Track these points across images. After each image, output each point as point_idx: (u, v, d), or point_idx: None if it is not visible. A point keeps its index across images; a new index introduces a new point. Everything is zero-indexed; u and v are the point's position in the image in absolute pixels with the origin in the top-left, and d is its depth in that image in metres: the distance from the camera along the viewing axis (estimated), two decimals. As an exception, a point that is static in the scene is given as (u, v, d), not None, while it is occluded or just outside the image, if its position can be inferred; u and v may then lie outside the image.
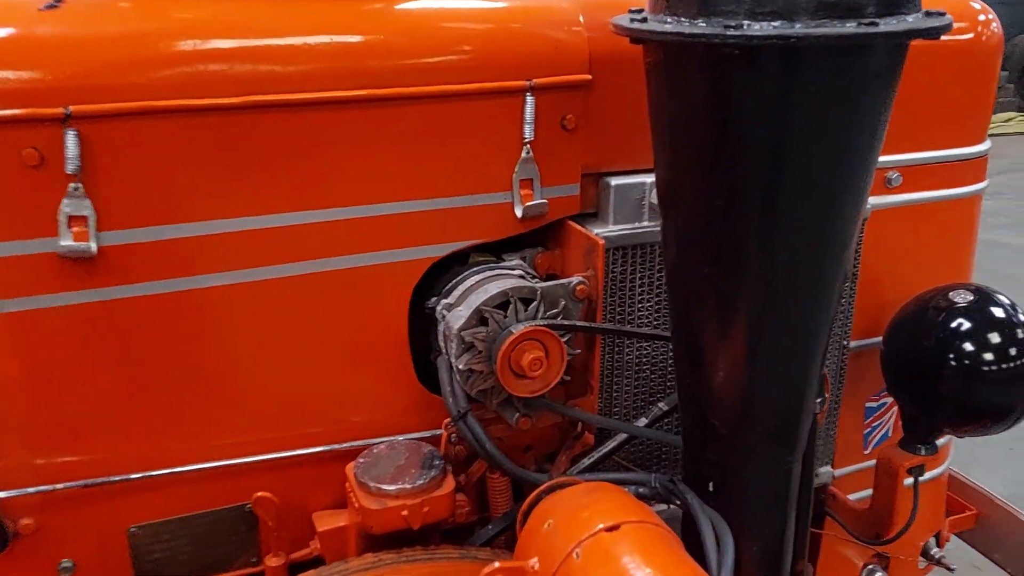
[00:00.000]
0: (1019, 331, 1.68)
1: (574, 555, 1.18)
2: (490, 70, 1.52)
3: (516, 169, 1.57)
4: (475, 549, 1.50)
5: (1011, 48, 11.10)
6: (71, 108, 1.29)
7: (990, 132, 1.97)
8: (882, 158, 1.21)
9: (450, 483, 1.49)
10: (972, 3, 1.86)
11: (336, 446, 1.58)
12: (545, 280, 1.62)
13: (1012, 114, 11.40)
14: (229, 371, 1.51)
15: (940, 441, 1.88)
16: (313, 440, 1.58)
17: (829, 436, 1.93)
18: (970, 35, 1.83)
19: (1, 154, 1.29)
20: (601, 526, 1.20)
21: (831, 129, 1.12)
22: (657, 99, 1.24)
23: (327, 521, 1.54)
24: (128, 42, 1.34)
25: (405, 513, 1.43)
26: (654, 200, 1.61)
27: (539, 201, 1.59)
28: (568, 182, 1.62)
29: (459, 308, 1.52)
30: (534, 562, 1.22)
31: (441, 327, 1.55)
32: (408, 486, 1.45)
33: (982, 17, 1.84)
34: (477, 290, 1.53)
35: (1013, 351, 1.66)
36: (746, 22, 1.04)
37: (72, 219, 1.33)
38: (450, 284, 1.58)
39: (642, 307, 1.65)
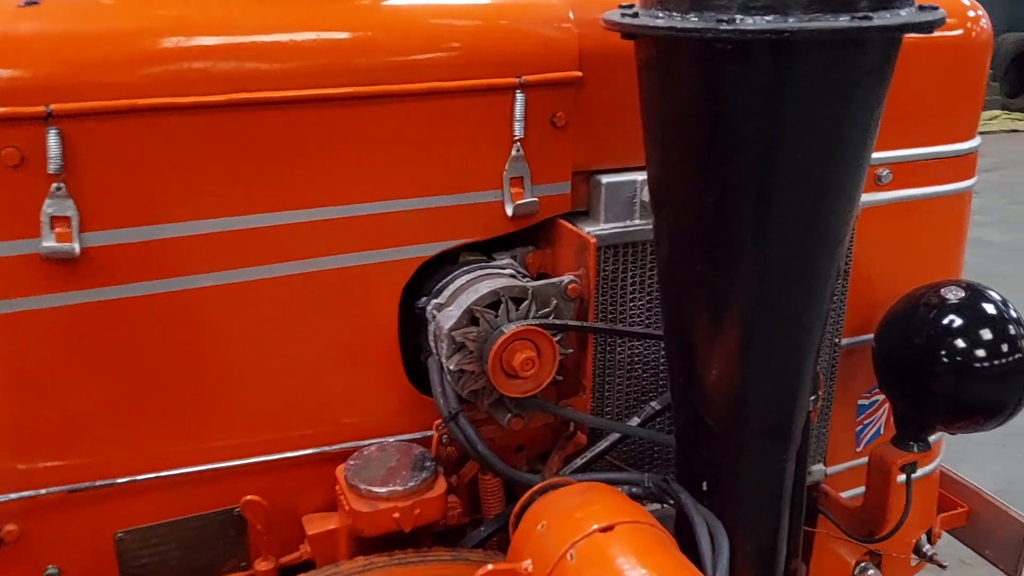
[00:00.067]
0: (1011, 327, 1.68)
1: (568, 556, 1.17)
2: (479, 67, 1.50)
3: (506, 167, 1.55)
4: (467, 551, 1.49)
5: (996, 45, 11.18)
6: (52, 107, 1.27)
7: (975, 130, 1.98)
8: (872, 155, 1.21)
9: (442, 485, 1.48)
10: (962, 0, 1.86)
11: (326, 448, 1.57)
12: (536, 279, 1.61)
13: (997, 112, 11.50)
14: (216, 373, 1.49)
15: (932, 438, 1.88)
16: (302, 442, 1.56)
17: (821, 434, 1.93)
18: (959, 31, 1.83)
19: (-19, 154, 1.26)
20: (595, 527, 1.19)
21: (824, 123, 1.11)
22: (649, 95, 1.23)
23: (317, 524, 1.53)
24: (110, 39, 1.32)
25: (396, 515, 1.42)
26: (645, 198, 1.60)
27: (530, 199, 1.58)
28: (559, 180, 1.60)
29: (449, 308, 1.51)
30: (527, 564, 1.21)
31: (431, 327, 1.54)
32: (399, 488, 1.44)
33: (971, 13, 1.84)
34: (468, 289, 1.52)
35: (1005, 347, 1.66)
36: (739, 16, 1.03)
37: (55, 219, 1.31)
38: (440, 284, 1.57)
39: (633, 306, 1.64)
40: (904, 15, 1.05)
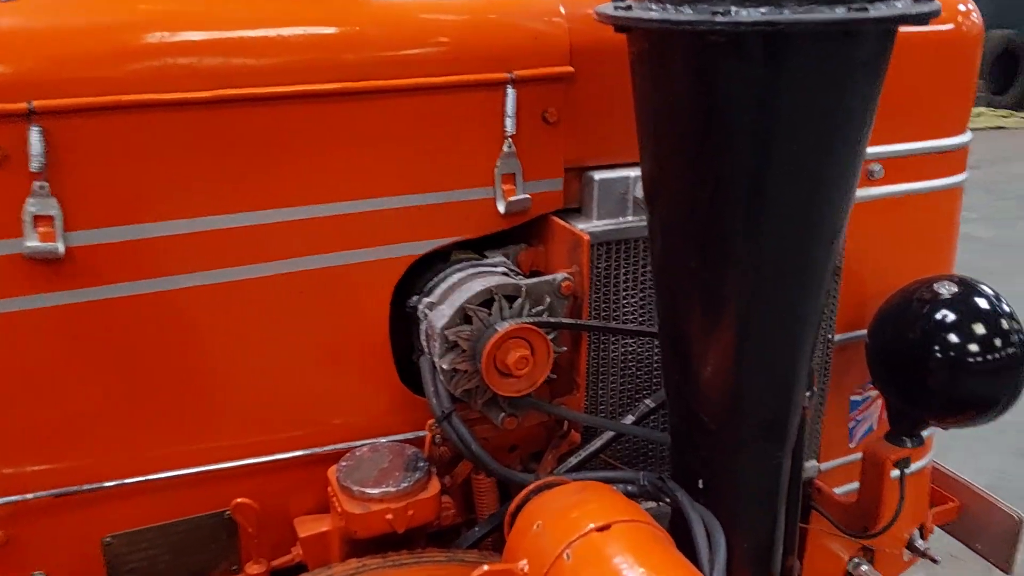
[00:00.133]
0: (1004, 322, 1.68)
1: (565, 556, 1.16)
2: (469, 62, 1.49)
3: (498, 164, 1.54)
4: (462, 552, 1.47)
5: (980, 43, 11.23)
6: (34, 103, 1.24)
7: (961, 128, 1.98)
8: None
9: (435, 485, 1.46)
10: (952, -6, 1.86)
11: (317, 449, 1.55)
12: (528, 277, 1.59)
13: (982, 109, 11.58)
14: (205, 375, 1.47)
15: (924, 433, 1.88)
16: (293, 444, 1.54)
17: (814, 430, 1.92)
18: (950, 25, 1.83)
19: (-38, 152, 1.24)
20: (592, 526, 1.18)
21: (819, 116, 1.10)
22: (642, 89, 1.22)
23: (309, 526, 1.51)
24: (94, 34, 1.30)
25: (390, 517, 1.40)
26: (638, 194, 1.59)
27: (522, 196, 1.56)
28: (551, 176, 1.59)
29: (442, 306, 1.49)
30: (523, 564, 1.20)
31: (423, 326, 1.52)
32: (392, 489, 1.42)
33: (962, 7, 1.84)
34: (460, 288, 1.50)
35: (998, 342, 1.66)
36: (733, 8, 1.02)
37: (38, 219, 1.28)
38: (432, 282, 1.55)
39: (626, 303, 1.63)
40: (900, 6, 1.04)
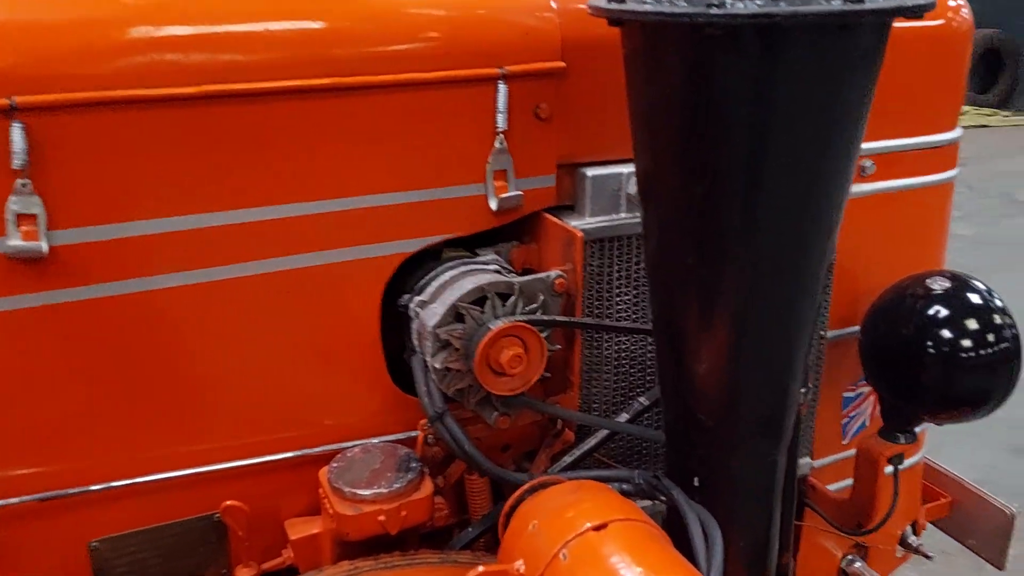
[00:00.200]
0: (996, 317, 1.68)
1: (561, 556, 1.14)
2: (459, 58, 1.47)
3: (489, 160, 1.52)
4: (455, 553, 1.46)
5: (964, 42, 11.34)
6: (16, 99, 1.22)
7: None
8: (857, 146, 1.20)
9: (428, 486, 1.45)
10: (943, -11, 1.86)
11: (308, 451, 1.53)
12: (521, 275, 1.58)
13: (966, 108, 11.68)
14: (193, 376, 1.44)
15: (918, 429, 1.88)
16: (284, 445, 1.52)
17: (808, 427, 1.92)
18: (941, 21, 1.83)
19: (-58, 149, 1.21)
20: (588, 525, 1.16)
21: (816, 109, 1.09)
22: (636, 84, 1.21)
23: (300, 529, 1.49)
24: (78, 29, 1.28)
25: (382, 518, 1.39)
26: (631, 191, 1.58)
27: (514, 193, 1.55)
28: (543, 173, 1.58)
29: (433, 305, 1.47)
30: (519, 564, 1.18)
31: (415, 325, 1.50)
32: (384, 490, 1.40)
33: (952, 3, 1.84)
34: (452, 286, 1.49)
35: (991, 337, 1.66)
36: (729, 1, 1.01)
37: (20, 217, 1.26)
38: (423, 280, 1.54)
39: (620, 300, 1.61)
40: (896, -1, 1.04)
